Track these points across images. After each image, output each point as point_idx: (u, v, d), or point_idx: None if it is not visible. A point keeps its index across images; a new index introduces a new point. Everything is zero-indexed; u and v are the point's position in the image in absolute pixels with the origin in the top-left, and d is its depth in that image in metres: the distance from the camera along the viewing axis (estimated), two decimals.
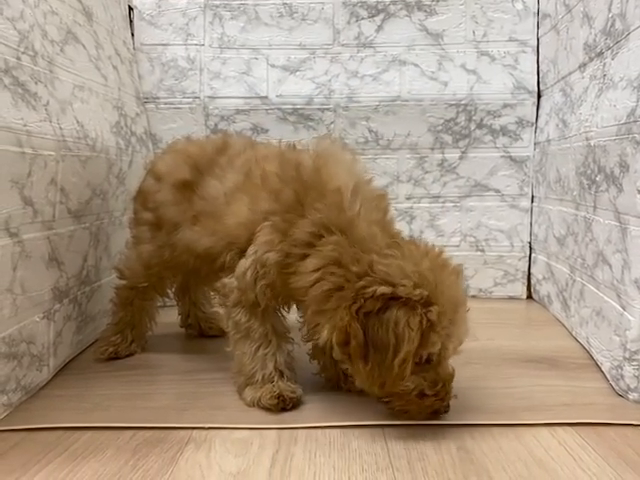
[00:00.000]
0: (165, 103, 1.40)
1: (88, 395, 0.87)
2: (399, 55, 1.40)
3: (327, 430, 0.74)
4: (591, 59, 1.01)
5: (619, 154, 0.84)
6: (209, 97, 1.40)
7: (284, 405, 0.79)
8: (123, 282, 1.05)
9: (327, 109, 1.40)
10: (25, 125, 0.81)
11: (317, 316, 0.75)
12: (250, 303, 0.81)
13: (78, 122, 0.99)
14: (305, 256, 0.75)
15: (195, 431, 0.74)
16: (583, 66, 1.06)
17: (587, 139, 0.98)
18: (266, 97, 1.40)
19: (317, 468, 0.65)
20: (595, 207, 0.96)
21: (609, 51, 0.92)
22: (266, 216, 0.79)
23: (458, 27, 1.40)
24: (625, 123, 0.82)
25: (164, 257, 0.96)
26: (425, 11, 1.40)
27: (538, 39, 1.38)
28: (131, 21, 1.37)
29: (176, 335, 1.20)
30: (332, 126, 1.41)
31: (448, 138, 1.41)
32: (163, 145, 1.39)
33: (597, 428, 0.74)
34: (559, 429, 0.74)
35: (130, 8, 1.37)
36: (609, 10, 0.92)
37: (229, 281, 0.82)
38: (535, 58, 1.39)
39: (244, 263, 0.80)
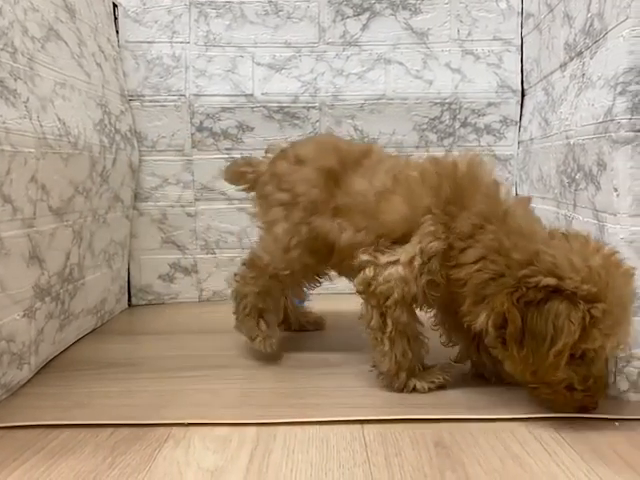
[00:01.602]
0: (150, 101, 1.39)
1: (68, 393, 0.87)
2: (384, 54, 1.41)
3: (306, 426, 0.75)
4: (571, 58, 1.02)
5: (597, 153, 0.85)
6: (194, 95, 1.39)
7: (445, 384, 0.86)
8: (259, 270, 0.98)
9: (313, 107, 1.41)
10: (4, 122, 0.80)
11: (475, 306, 0.77)
12: (410, 298, 0.81)
13: (59, 119, 0.98)
14: (467, 248, 0.77)
15: (175, 428, 0.74)
16: (564, 65, 1.07)
17: (567, 138, 0.99)
18: (252, 95, 1.40)
19: (294, 464, 0.65)
20: (575, 205, 0.97)
21: (588, 51, 0.93)
22: (427, 210, 0.81)
23: (443, 26, 1.40)
24: (602, 122, 0.82)
25: (302, 236, 0.94)
26: (410, 10, 1.40)
27: (522, 38, 1.39)
28: (116, 18, 1.37)
29: (158, 332, 1.20)
30: (318, 124, 1.41)
31: (433, 136, 1.41)
32: (149, 143, 1.39)
33: (573, 423, 0.74)
34: (536, 424, 0.75)
35: (115, 5, 1.36)
36: (588, 10, 0.93)
37: (391, 272, 0.81)
38: (519, 57, 1.40)
39: (411, 249, 0.81)
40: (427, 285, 0.81)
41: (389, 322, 0.82)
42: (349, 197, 0.91)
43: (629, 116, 0.76)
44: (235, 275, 1.04)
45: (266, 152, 1.09)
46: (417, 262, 0.80)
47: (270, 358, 1.00)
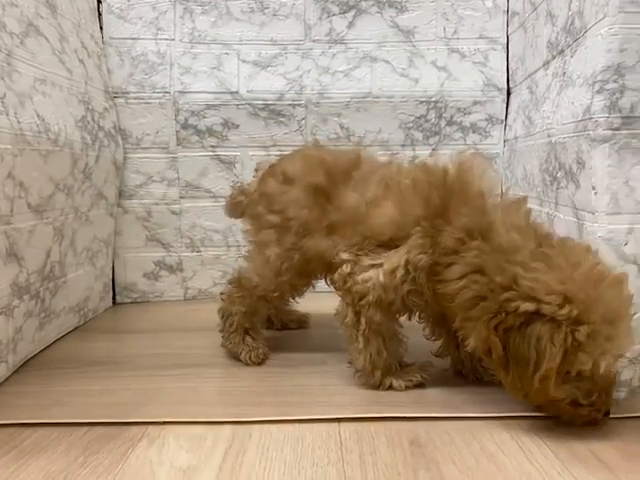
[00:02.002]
0: (135, 98, 1.38)
1: (47, 391, 0.86)
2: (370, 51, 1.41)
3: (283, 425, 0.74)
4: (553, 57, 1.02)
5: (576, 151, 0.85)
6: (179, 92, 1.39)
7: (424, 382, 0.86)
8: (247, 291, 0.98)
9: (298, 105, 1.40)
10: None
11: (464, 322, 0.75)
12: (387, 303, 0.81)
13: (39, 116, 0.97)
14: (452, 263, 0.76)
15: (150, 427, 0.74)
16: (547, 64, 1.07)
17: (549, 136, 0.99)
18: (237, 92, 1.40)
19: (268, 463, 0.65)
20: (557, 203, 0.97)
21: (569, 49, 0.93)
22: (417, 221, 0.79)
23: (429, 24, 1.40)
24: (581, 120, 0.82)
25: (294, 261, 0.93)
26: (396, 8, 1.40)
27: (508, 37, 1.39)
28: (100, 14, 1.36)
29: (142, 330, 1.20)
30: (304, 122, 1.41)
31: (419, 135, 1.41)
32: (133, 140, 1.39)
33: (549, 421, 0.74)
34: (512, 422, 0.75)
35: (99, 1, 1.35)
36: (569, 8, 0.93)
37: (371, 275, 0.81)
38: (505, 55, 1.40)
39: (397, 259, 0.79)
40: (409, 294, 0.80)
41: (363, 321, 0.82)
42: (342, 213, 0.89)
43: (607, 114, 0.76)
44: (221, 294, 1.03)
45: (256, 170, 1.09)
46: (400, 273, 0.79)
47: None
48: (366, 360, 0.84)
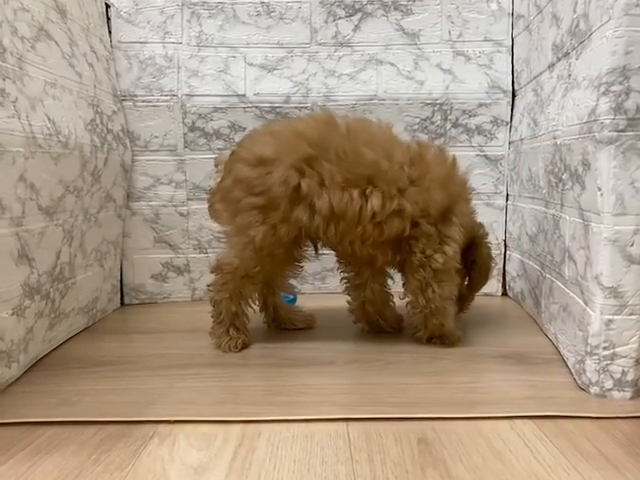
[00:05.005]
0: (143, 101, 1.40)
1: (57, 391, 0.87)
2: (376, 54, 1.42)
3: (291, 424, 0.75)
4: (559, 59, 1.03)
5: (582, 152, 0.86)
6: (187, 95, 1.40)
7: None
8: (229, 275, 1.02)
9: (305, 107, 1.41)
10: None
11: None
12: None
13: (49, 119, 0.99)
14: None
15: (161, 425, 0.75)
16: (552, 66, 1.08)
17: (554, 138, 1.00)
18: (244, 95, 1.41)
19: (278, 461, 0.66)
20: (562, 205, 0.98)
21: (574, 51, 0.94)
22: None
23: (434, 27, 1.41)
24: (586, 122, 0.83)
25: (280, 234, 0.98)
26: (402, 11, 1.41)
27: (512, 39, 1.39)
28: (108, 19, 1.37)
29: (150, 331, 1.21)
30: None
31: (424, 137, 1.42)
32: (141, 143, 1.40)
33: (557, 421, 0.75)
34: (519, 422, 0.75)
35: (107, 5, 1.37)
36: (574, 11, 0.93)
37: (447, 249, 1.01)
38: (510, 58, 1.40)
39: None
40: None
41: None
42: (364, 167, 0.96)
43: (612, 116, 0.77)
44: (208, 286, 1.08)
45: (216, 165, 1.10)
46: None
47: (259, 357, 1.01)
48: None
